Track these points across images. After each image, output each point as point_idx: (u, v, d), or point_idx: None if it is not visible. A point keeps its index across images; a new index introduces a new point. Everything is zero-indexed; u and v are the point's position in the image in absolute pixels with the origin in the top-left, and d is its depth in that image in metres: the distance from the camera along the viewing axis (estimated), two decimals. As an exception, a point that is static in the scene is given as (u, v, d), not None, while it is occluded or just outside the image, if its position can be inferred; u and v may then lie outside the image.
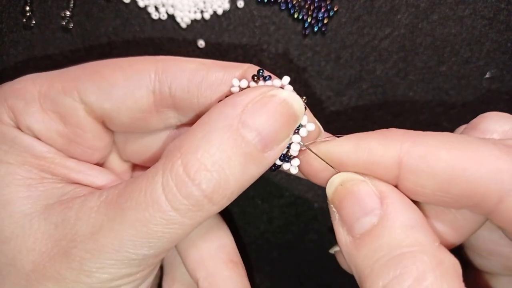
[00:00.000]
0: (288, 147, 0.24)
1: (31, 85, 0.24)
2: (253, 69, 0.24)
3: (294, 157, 0.24)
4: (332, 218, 0.23)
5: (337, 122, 0.36)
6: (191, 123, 0.26)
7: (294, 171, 0.25)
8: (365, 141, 0.22)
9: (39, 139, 0.25)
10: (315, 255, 0.38)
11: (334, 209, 0.23)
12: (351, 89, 0.35)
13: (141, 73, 0.24)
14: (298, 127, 0.23)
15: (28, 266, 0.22)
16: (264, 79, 0.23)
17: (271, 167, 0.24)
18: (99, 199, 0.22)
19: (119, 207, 0.21)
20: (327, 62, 0.34)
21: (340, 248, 0.23)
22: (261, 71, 0.23)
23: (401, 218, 0.21)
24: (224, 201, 0.21)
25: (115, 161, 0.29)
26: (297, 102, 0.22)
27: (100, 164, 0.28)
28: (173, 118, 0.25)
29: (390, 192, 0.22)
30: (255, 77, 0.23)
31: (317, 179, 0.25)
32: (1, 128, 0.24)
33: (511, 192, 0.20)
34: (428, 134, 0.22)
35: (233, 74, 0.24)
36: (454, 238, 0.24)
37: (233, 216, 0.38)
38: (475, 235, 0.25)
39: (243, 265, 0.28)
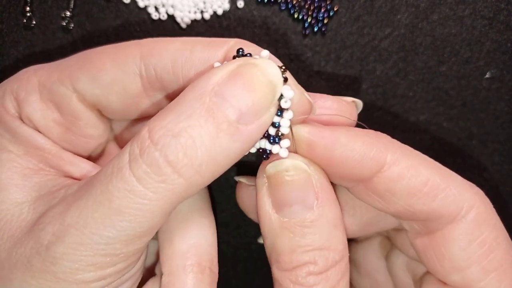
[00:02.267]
0: (278, 127, 0.22)
1: (33, 75, 0.25)
2: (238, 44, 0.23)
3: (284, 137, 0.22)
4: (258, 184, 0.23)
5: (337, 122, 0.36)
6: None
7: (284, 153, 0.23)
8: (349, 140, 0.22)
9: (37, 129, 0.25)
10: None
11: (265, 181, 0.23)
12: (351, 89, 0.35)
13: (127, 57, 0.23)
14: (281, 100, 0.21)
15: (3, 253, 0.21)
16: (245, 56, 0.22)
17: (262, 154, 0.23)
18: (78, 185, 0.22)
19: (87, 184, 0.21)
20: (327, 62, 0.34)
21: (258, 210, 0.23)
22: (241, 50, 0.22)
23: (330, 216, 0.22)
24: (191, 173, 0.19)
25: (113, 149, 0.29)
26: (272, 68, 0.21)
27: (98, 153, 0.28)
28: (164, 101, 0.25)
29: (326, 187, 0.23)
30: (236, 57, 0.22)
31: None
32: (6, 118, 0.24)
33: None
34: (409, 150, 0.23)
35: (217, 53, 0.23)
36: (353, 232, 0.26)
37: (233, 216, 0.38)
38: (365, 253, 0.29)
39: (213, 271, 0.26)
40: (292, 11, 0.33)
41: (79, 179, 0.25)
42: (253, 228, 0.38)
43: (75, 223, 0.20)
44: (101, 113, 0.26)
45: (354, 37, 0.34)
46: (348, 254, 0.23)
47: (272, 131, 0.22)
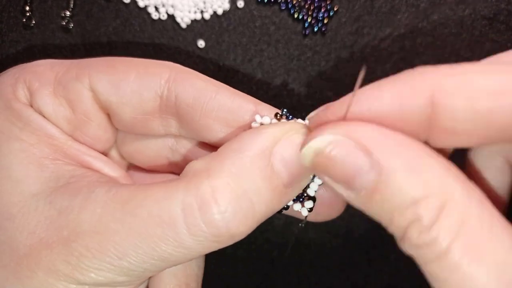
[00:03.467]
0: (305, 187, 0.23)
1: (49, 69, 0.25)
2: (264, 106, 0.24)
3: (309, 198, 0.23)
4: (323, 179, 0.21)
5: (337, 122, 0.36)
6: (190, 138, 0.26)
7: (305, 213, 0.23)
8: (388, 87, 0.19)
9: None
10: (315, 255, 0.38)
11: (320, 173, 0.21)
12: (351, 89, 0.35)
13: (154, 76, 0.24)
14: None
15: (23, 249, 0.21)
16: (287, 118, 0.23)
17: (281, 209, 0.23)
18: (107, 194, 0.21)
19: (128, 211, 0.20)
20: (327, 62, 0.34)
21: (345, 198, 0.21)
22: (284, 110, 0.23)
23: (397, 164, 0.18)
24: (240, 237, 0.20)
25: (115, 157, 0.29)
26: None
27: None
28: (174, 127, 0.25)
29: (373, 138, 0.19)
30: (278, 115, 0.23)
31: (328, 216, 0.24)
32: (17, 105, 0.24)
33: None
34: (459, 65, 0.19)
35: (242, 106, 0.23)
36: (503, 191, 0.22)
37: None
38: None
39: None
40: (292, 11, 0.33)
41: (99, 172, 0.24)
42: (253, 228, 0.38)
43: (113, 248, 0.20)
44: (109, 118, 0.26)
45: (354, 37, 0.34)
46: (456, 192, 0.18)
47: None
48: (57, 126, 0.24)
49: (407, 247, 0.18)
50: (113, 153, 0.28)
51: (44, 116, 0.24)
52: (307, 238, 0.38)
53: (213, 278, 0.39)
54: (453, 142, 0.19)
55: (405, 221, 0.18)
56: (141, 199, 0.20)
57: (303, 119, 0.23)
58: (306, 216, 0.24)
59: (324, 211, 0.25)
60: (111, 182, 0.23)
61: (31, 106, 0.24)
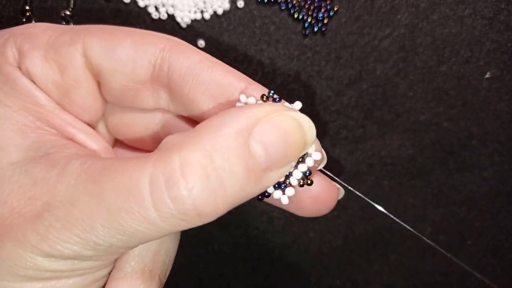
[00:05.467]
0: (288, 175, 0.22)
1: (42, 32, 0.24)
2: (255, 86, 0.23)
3: (290, 186, 0.23)
4: None
5: (337, 122, 0.36)
6: (178, 113, 0.26)
7: (285, 201, 0.23)
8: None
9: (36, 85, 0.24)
10: (315, 255, 0.38)
11: None
12: (351, 89, 0.35)
13: (149, 44, 0.23)
14: (303, 155, 0.22)
15: None
16: (274, 100, 0.22)
17: (260, 195, 0.22)
18: (81, 166, 0.20)
19: (99, 183, 0.20)
20: (327, 62, 0.34)
21: None
22: (271, 92, 0.22)
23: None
24: (210, 217, 0.20)
25: (101, 131, 0.28)
26: (311, 128, 0.21)
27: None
28: (164, 100, 0.25)
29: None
30: (264, 97, 0.22)
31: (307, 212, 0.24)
32: (5, 68, 0.23)
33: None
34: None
35: (233, 83, 0.23)
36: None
37: (233, 216, 0.38)
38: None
39: (162, 280, 0.25)
40: (292, 11, 0.33)
41: (80, 145, 0.24)
42: (253, 228, 0.38)
43: (82, 220, 0.19)
44: (99, 87, 0.25)
45: (354, 37, 0.34)
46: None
47: (282, 178, 0.22)
48: (45, 92, 0.24)
49: None
50: (100, 127, 0.28)
51: (32, 80, 0.23)
52: (307, 238, 0.38)
53: (213, 278, 0.40)
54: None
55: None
56: (113, 172, 0.20)
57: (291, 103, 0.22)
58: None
59: (313, 206, 0.24)
60: (90, 155, 0.22)
61: (20, 68, 0.23)
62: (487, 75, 0.34)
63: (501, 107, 0.35)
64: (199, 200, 0.19)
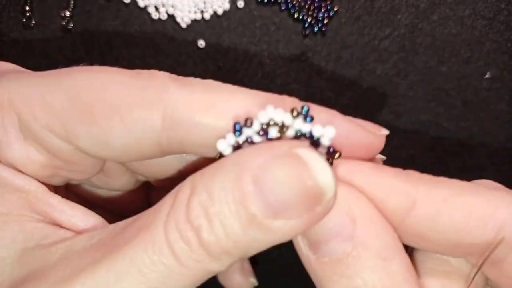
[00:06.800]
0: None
1: (8, 106, 0.20)
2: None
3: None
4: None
5: (337, 122, 0.36)
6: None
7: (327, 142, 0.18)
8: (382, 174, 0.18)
9: (19, 170, 0.20)
10: (315, 255, 0.38)
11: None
12: (351, 89, 0.35)
13: (145, 122, 0.19)
14: (317, 139, 0.18)
15: None
16: (305, 118, 0.18)
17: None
18: (88, 242, 0.18)
19: (105, 245, 0.18)
20: (327, 62, 0.34)
21: (300, 256, 0.20)
22: (304, 107, 0.18)
23: (376, 245, 0.17)
24: (226, 258, 0.18)
25: (120, 171, 0.25)
26: (328, 180, 0.17)
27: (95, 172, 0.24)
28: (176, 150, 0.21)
29: (365, 209, 0.17)
30: (293, 111, 0.17)
31: None
32: None
33: None
34: (442, 180, 0.19)
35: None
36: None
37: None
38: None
39: None
40: (292, 11, 0.33)
41: (70, 230, 0.20)
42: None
43: None
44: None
45: (354, 37, 0.34)
46: None
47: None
48: (31, 173, 0.21)
49: None
50: (118, 167, 0.25)
51: (15, 167, 0.20)
52: (307, 238, 0.38)
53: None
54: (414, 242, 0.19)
55: None
56: (129, 231, 0.18)
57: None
58: None
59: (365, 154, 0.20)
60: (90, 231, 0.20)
61: None
62: (487, 75, 0.34)
63: (501, 107, 0.35)
64: (206, 240, 0.17)
